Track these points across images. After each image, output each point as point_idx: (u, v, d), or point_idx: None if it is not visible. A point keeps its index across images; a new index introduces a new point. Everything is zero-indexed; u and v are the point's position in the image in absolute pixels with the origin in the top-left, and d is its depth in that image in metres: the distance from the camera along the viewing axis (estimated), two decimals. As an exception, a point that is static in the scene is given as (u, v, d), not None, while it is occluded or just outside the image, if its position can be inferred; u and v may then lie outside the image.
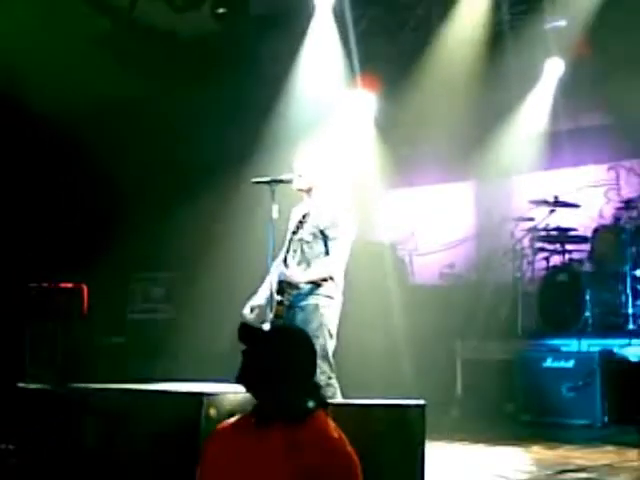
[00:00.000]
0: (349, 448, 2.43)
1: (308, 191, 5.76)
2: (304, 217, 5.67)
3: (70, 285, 9.90)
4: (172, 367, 7.90)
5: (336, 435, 2.45)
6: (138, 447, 4.76)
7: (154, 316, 10.24)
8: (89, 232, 10.09)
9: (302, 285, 5.54)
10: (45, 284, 9.98)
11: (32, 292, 9.87)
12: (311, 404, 2.51)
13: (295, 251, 5.68)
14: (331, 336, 5.52)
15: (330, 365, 5.46)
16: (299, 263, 5.63)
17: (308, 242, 5.60)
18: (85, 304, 9.93)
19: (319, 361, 4.80)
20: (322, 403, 2.57)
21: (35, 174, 10.26)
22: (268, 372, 2.50)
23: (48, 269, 10.07)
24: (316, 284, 5.53)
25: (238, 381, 2.54)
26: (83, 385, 5.76)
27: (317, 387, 2.62)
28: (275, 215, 5.71)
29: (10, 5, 9.10)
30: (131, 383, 5.66)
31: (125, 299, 10.54)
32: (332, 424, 2.50)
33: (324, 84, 9.23)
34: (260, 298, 5.67)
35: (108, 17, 10.13)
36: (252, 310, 5.67)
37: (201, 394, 4.71)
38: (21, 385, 6.25)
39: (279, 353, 2.53)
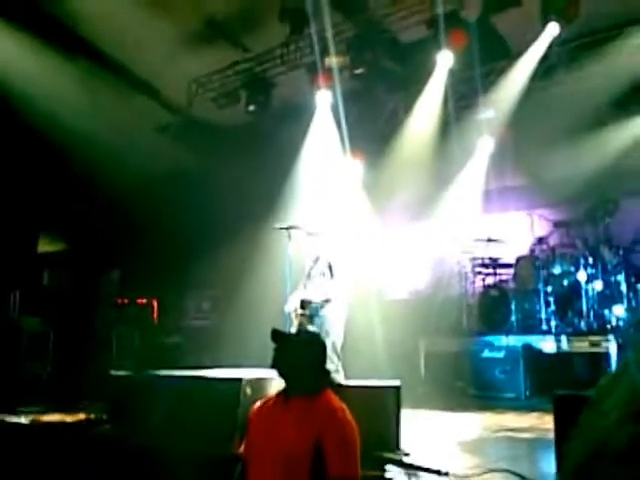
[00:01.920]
0: (350, 417, 2.46)
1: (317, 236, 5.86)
2: (317, 258, 5.80)
3: (144, 300, 9.92)
4: (216, 359, 7.88)
5: (340, 407, 2.48)
6: (195, 417, 4.76)
7: (203, 323, 10.23)
8: (159, 265, 10.13)
9: (318, 302, 5.62)
10: (127, 299, 10.01)
11: (118, 305, 9.91)
12: (321, 385, 2.55)
13: (311, 279, 5.78)
14: (339, 336, 5.57)
15: (338, 356, 5.50)
16: (315, 288, 5.71)
17: (322, 274, 5.71)
18: (155, 314, 9.94)
19: (330, 353, 4.84)
20: (330, 384, 2.61)
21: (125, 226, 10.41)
22: (292, 364, 2.55)
23: (130, 289, 10.12)
24: (327, 301, 5.61)
25: (272, 368, 2.59)
26: (155, 372, 5.77)
27: (327, 372, 2.65)
28: (291, 252, 5.77)
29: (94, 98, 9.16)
30: (188, 370, 5.68)
31: (182, 310, 10.54)
32: (337, 399, 2.54)
33: (324, 156, 9.32)
34: (292, 307, 5.73)
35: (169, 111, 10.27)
36: (289, 314, 5.74)
37: (240, 378, 4.73)
38: (111, 372, 6.26)
39: (300, 351, 2.58)
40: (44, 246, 12.04)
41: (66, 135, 8.81)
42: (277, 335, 2.64)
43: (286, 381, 2.57)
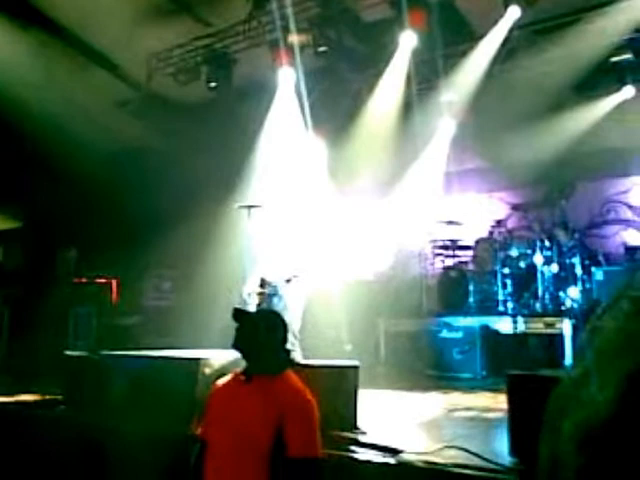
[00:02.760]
0: (309, 396, 2.46)
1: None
2: (278, 237, 5.76)
3: (103, 280, 9.75)
4: (175, 340, 7.81)
5: (301, 387, 2.48)
6: (152, 398, 4.71)
7: (163, 303, 10.11)
8: (117, 243, 9.94)
9: (278, 281, 5.59)
10: (85, 279, 9.82)
11: (75, 284, 9.72)
12: (282, 364, 2.55)
13: (272, 258, 5.75)
14: (297, 316, 5.58)
15: (295, 336, 5.51)
16: (275, 267, 5.69)
17: (282, 254, 5.68)
18: (113, 293, 9.79)
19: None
20: (290, 363, 2.61)
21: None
22: (254, 343, 2.53)
23: (88, 267, 9.93)
24: (287, 281, 5.59)
25: (233, 348, 2.56)
26: (112, 352, 5.69)
27: (287, 352, 2.64)
28: (251, 230, 5.72)
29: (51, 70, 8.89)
30: (147, 351, 5.61)
31: (141, 290, 10.40)
32: (297, 378, 2.53)
33: (286, 135, 9.23)
34: (252, 286, 5.70)
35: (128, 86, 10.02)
36: (249, 294, 5.71)
37: (198, 358, 4.70)
38: (67, 352, 6.14)
39: (261, 330, 2.57)
40: (-1, 223, 11.72)
41: (20, 109, 8.52)
42: (239, 314, 2.62)
43: (247, 360, 2.56)
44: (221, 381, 2.65)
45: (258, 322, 2.63)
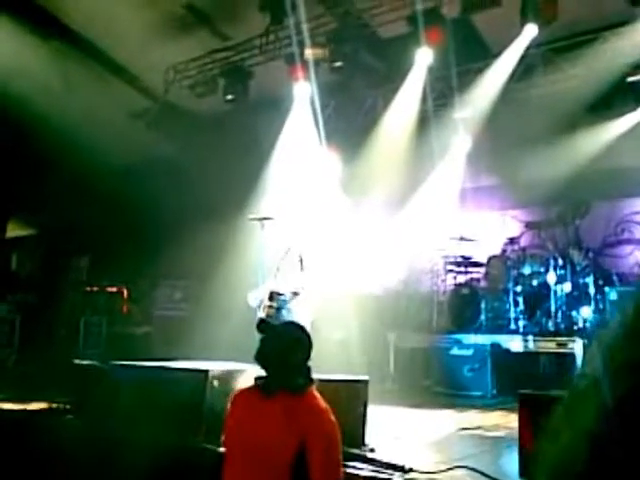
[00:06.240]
0: (333, 419, 2.39)
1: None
2: (288, 250, 5.73)
3: (114, 289, 9.77)
4: (186, 351, 7.80)
5: (323, 407, 2.41)
6: (160, 409, 4.69)
7: (174, 313, 10.11)
8: (129, 253, 9.99)
9: (287, 294, 5.57)
10: (96, 287, 9.85)
11: (87, 292, 9.75)
12: (306, 381, 2.47)
13: (282, 271, 5.71)
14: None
15: None
16: (285, 280, 5.66)
17: (293, 267, 5.65)
18: (124, 302, 9.81)
19: None
20: (311, 380, 2.51)
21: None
22: (278, 356, 2.45)
23: (100, 276, 9.97)
24: (295, 294, 5.56)
25: (256, 360, 2.49)
26: (119, 362, 5.67)
27: (309, 368, 2.53)
28: (264, 243, 5.71)
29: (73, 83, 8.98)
30: (156, 361, 5.58)
31: (153, 300, 10.42)
32: (320, 397, 2.45)
33: (301, 149, 9.26)
34: (261, 295, 5.66)
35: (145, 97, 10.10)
36: (259, 303, 5.66)
37: (207, 370, 4.67)
38: (76, 361, 6.14)
39: (287, 344, 2.49)
40: (14, 231, 11.81)
41: (39, 118, 8.62)
42: (264, 326, 2.54)
43: (270, 375, 2.46)
44: (239, 392, 2.59)
45: (284, 336, 2.54)
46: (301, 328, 2.71)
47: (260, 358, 2.47)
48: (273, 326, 2.67)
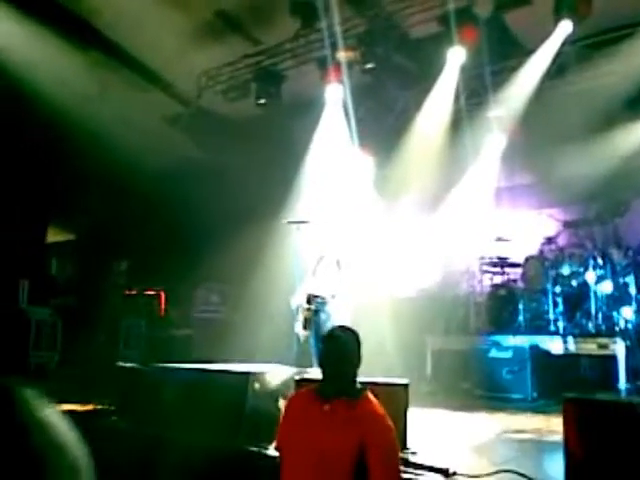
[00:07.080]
0: (390, 423, 2.41)
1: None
2: (324, 253, 5.75)
3: (152, 292, 9.92)
4: (226, 353, 7.89)
5: (380, 412, 2.43)
6: (202, 411, 4.75)
7: (212, 315, 10.21)
8: (167, 256, 10.13)
9: (324, 297, 5.59)
10: (135, 290, 10.02)
11: (126, 296, 9.92)
12: (362, 385, 2.51)
13: (318, 274, 5.74)
14: None
15: None
16: (322, 283, 5.68)
17: (329, 269, 5.67)
18: (163, 305, 9.95)
19: None
20: (364, 384, 2.55)
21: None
22: (341, 362, 2.50)
23: (139, 280, 10.12)
24: (333, 296, 5.58)
25: (319, 366, 2.54)
26: (161, 364, 5.76)
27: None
28: (300, 246, 5.74)
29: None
30: (196, 364, 5.66)
31: (191, 302, 10.54)
32: (378, 403, 2.47)
33: (334, 151, 9.28)
34: (299, 300, 5.71)
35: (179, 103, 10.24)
36: (297, 308, 5.72)
37: (248, 372, 4.71)
38: (119, 364, 6.26)
39: (351, 350, 2.54)
40: (53, 236, 12.07)
41: (76, 125, 8.81)
42: (331, 332, 2.61)
43: (331, 381, 2.51)
44: (295, 396, 2.62)
45: (347, 342, 2.56)
46: (355, 333, 2.72)
47: (324, 365, 2.52)
48: (334, 330, 2.72)
